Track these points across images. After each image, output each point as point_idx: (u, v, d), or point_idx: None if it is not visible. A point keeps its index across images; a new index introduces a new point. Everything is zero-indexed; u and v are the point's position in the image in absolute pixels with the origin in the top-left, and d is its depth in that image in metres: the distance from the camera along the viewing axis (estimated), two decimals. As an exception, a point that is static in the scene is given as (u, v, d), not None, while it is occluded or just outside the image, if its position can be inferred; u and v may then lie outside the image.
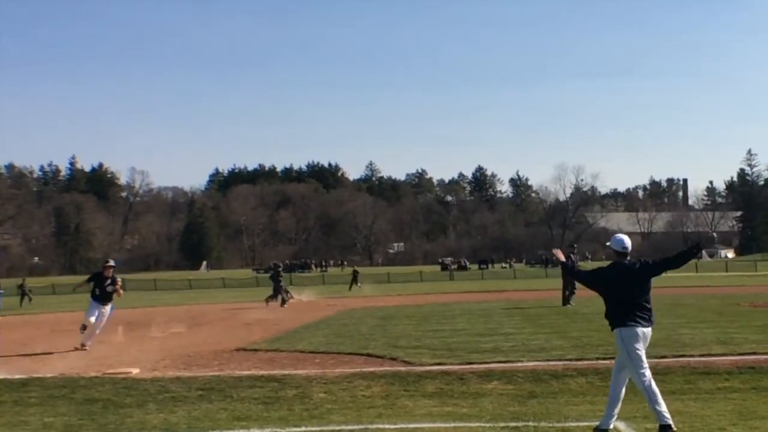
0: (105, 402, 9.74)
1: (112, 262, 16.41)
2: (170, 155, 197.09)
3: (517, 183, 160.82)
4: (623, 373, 7.45)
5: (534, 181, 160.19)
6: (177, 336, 18.37)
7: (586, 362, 11.21)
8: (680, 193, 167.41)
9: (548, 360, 11.61)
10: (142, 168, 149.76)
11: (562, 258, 8.39)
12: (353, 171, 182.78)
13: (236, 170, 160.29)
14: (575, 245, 27.29)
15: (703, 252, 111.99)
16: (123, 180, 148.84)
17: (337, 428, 8.08)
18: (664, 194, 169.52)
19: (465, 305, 26.68)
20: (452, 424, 8.06)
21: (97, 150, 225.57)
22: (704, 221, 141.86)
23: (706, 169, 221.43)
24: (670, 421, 7.17)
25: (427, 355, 12.53)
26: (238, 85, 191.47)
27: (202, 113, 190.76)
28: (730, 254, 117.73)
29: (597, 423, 7.47)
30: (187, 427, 8.36)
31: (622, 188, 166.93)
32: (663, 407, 7.23)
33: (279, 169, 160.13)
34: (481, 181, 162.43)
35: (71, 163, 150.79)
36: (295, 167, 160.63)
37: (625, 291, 7.48)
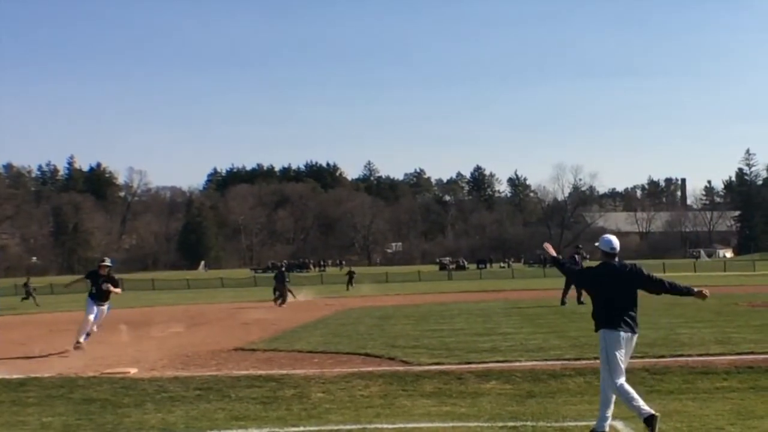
0: (103, 402, 9.73)
1: (107, 262, 16.25)
2: (168, 155, 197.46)
3: (516, 183, 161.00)
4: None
5: (532, 181, 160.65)
6: (175, 336, 18.37)
7: (584, 362, 11.20)
8: (678, 193, 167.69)
9: (546, 360, 11.61)
10: (140, 168, 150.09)
11: (553, 252, 8.39)
12: (351, 171, 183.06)
13: (234, 170, 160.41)
14: (580, 246, 27.29)
15: (702, 252, 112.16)
16: (121, 180, 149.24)
17: (336, 428, 8.07)
18: (662, 194, 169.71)
19: (463, 305, 26.67)
20: (450, 424, 8.06)
21: (96, 150, 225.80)
22: (702, 221, 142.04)
23: (705, 169, 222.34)
24: (652, 411, 7.13)
25: (426, 355, 12.52)
26: (236, 84, 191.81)
27: (200, 113, 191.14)
28: (729, 254, 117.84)
29: (594, 423, 7.46)
30: (185, 426, 8.35)
31: (620, 188, 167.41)
32: (640, 401, 7.18)
33: (277, 168, 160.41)
34: (479, 180, 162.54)
35: (69, 163, 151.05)
36: (294, 167, 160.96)
37: (609, 292, 7.40)
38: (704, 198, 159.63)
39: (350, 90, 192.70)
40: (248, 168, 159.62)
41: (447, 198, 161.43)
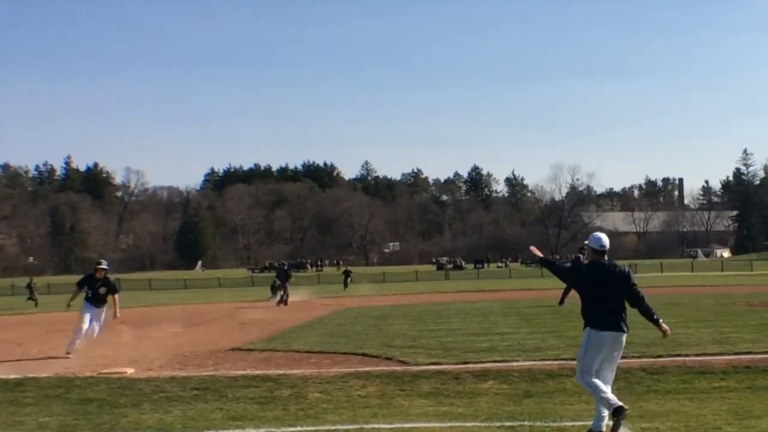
0: (100, 402, 9.72)
1: (104, 264, 15.65)
2: (166, 155, 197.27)
3: (513, 182, 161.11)
4: (600, 372, 7.38)
5: (530, 181, 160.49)
6: (172, 336, 18.35)
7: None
8: (676, 193, 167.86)
9: (544, 359, 11.61)
10: (137, 167, 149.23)
11: (539, 254, 8.39)
12: (349, 170, 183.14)
13: (232, 170, 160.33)
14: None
15: (699, 252, 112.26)
16: (118, 179, 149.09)
17: (333, 428, 8.06)
18: (659, 194, 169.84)
19: (460, 305, 26.68)
20: (448, 424, 8.05)
21: (93, 149, 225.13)
22: (700, 221, 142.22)
23: (702, 169, 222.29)
24: (620, 402, 7.12)
25: (423, 355, 12.52)
26: (233, 84, 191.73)
27: (197, 113, 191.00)
28: (726, 254, 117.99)
29: (591, 423, 7.46)
30: (182, 426, 8.34)
31: (617, 188, 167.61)
32: (608, 393, 7.15)
33: (274, 168, 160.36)
34: (476, 180, 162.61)
35: (66, 163, 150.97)
36: (291, 167, 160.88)
37: (598, 291, 7.36)
38: (701, 198, 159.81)
39: (348, 90, 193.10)
40: (245, 168, 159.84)
41: (444, 198, 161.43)
